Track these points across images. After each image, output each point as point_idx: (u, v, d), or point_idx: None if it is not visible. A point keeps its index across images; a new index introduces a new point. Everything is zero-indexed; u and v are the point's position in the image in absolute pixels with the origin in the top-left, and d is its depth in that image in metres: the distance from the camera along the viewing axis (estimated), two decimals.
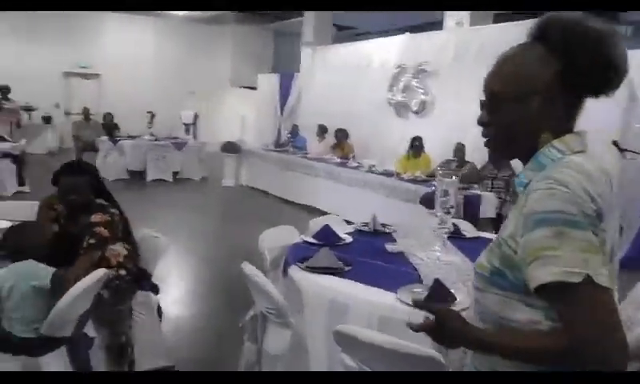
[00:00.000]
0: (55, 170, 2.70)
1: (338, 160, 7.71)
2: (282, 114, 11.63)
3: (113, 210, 2.78)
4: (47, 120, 12.58)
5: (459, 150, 6.20)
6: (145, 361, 2.74)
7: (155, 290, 2.94)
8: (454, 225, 3.41)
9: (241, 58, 14.38)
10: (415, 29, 8.17)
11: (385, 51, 8.27)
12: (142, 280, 2.82)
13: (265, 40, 14.68)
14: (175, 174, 9.81)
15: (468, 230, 3.55)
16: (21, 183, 7.61)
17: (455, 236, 3.13)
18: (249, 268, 2.48)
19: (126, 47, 13.65)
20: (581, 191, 0.95)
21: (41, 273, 2.19)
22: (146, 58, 13.90)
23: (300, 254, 2.72)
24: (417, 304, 1.18)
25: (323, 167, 7.42)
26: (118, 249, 2.71)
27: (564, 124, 1.09)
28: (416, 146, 6.87)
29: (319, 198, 7.36)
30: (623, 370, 0.92)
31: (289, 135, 9.64)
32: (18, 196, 7.05)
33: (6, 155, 7.51)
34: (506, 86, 1.10)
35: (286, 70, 11.93)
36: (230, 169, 9.57)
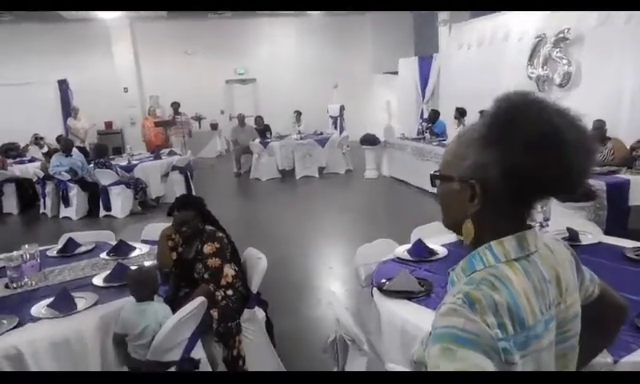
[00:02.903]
0: (170, 205, 3.13)
1: None
2: (423, 98, 11.39)
3: (220, 235, 3.11)
4: (214, 127, 13.97)
5: (598, 127, 5.46)
6: (256, 370, 3.05)
7: (263, 305, 3.22)
8: (570, 229, 3.11)
9: (381, 44, 14.28)
10: None
11: (522, 21, 7.59)
12: (249, 298, 3.12)
13: (404, 24, 14.38)
14: (322, 169, 10.24)
15: (592, 232, 3.21)
16: (188, 191, 8.65)
17: (571, 244, 2.87)
18: (331, 293, 2.59)
19: (274, 50, 14.54)
20: (488, 313, 0.86)
21: (169, 314, 2.51)
22: (292, 57, 14.63)
23: (386, 273, 2.76)
24: None
25: None
26: (226, 270, 3.05)
27: (508, 220, 0.96)
28: None
29: None
30: None
31: (422, 122, 9.41)
32: None
33: (175, 168, 8.61)
34: (443, 160, 1.04)
35: (427, 52, 11.59)
36: (370, 160, 9.64)
